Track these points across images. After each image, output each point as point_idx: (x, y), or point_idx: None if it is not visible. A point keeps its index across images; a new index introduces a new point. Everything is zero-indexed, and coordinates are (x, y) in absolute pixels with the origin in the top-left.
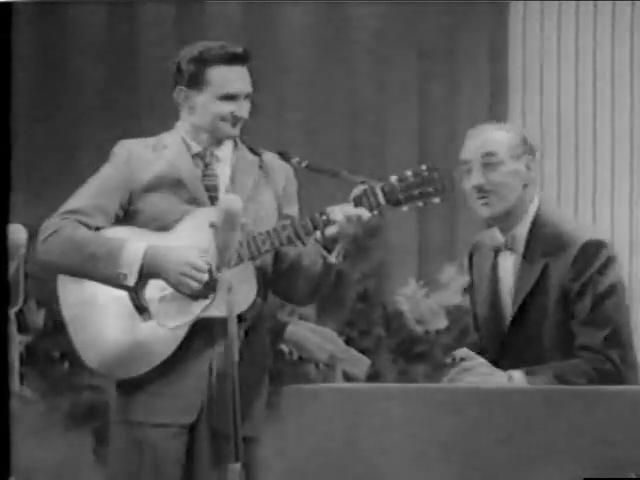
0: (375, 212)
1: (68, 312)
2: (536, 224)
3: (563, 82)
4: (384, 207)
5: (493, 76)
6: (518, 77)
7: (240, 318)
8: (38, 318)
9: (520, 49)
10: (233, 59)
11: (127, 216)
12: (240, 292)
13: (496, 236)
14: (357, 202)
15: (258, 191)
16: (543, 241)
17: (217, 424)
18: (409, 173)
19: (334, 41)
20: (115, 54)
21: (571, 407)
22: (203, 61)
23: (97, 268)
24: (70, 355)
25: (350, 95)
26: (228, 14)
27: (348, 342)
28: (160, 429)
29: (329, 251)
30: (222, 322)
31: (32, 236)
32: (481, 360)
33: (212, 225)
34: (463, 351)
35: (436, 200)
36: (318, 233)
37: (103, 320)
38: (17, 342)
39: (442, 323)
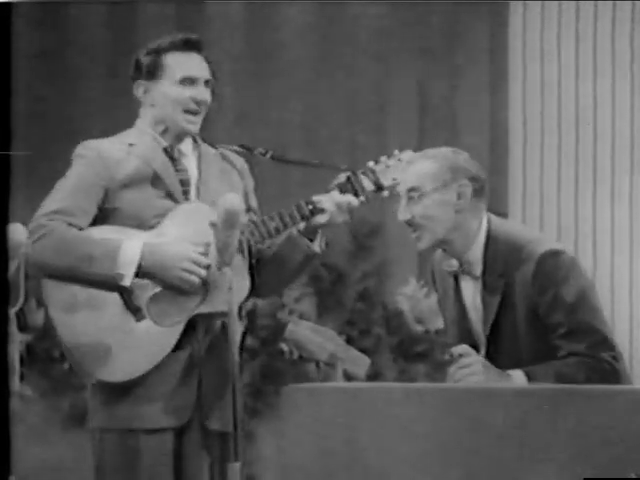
0: (362, 198)
1: (57, 315)
2: (489, 245)
3: (563, 82)
4: (369, 192)
5: (493, 76)
6: (518, 77)
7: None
8: (38, 317)
9: (520, 49)
10: (187, 45)
11: (103, 214)
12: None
13: (451, 262)
14: (342, 189)
15: (227, 181)
16: (500, 261)
17: (210, 424)
18: (384, 158)
19: (334, 41)
20: (115, 54)
21: (571, 407)
22: (158, 51)
23: (93, 269)
24: None
25: (350, 95)
26: (228, 14)
27: (348, 341)
28: (152, 434)
29: (311, 240)
30: (205, 318)
31: None
32: (479, 357)
33: (212, 224)
34: (462, 347)
35: None
36: (302, 223)
37: (95, 322)
38: (17, 341)
39: (442, 322)
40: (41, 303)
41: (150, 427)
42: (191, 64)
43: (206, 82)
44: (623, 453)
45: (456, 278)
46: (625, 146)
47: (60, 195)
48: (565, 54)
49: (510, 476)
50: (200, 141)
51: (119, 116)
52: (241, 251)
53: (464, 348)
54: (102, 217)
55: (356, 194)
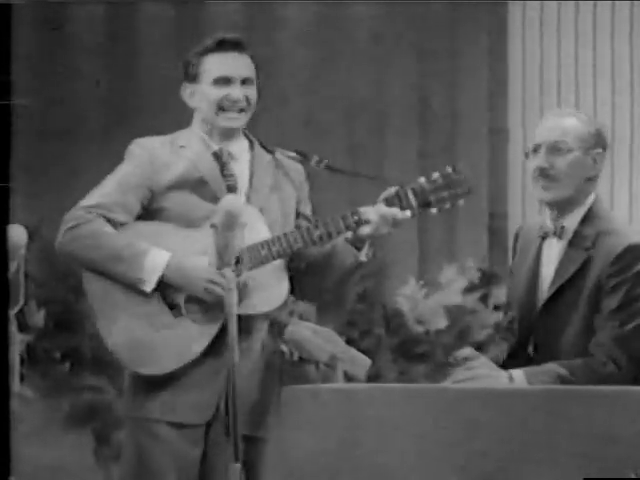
0: (408, 213)
1: (97, 304)
2: (588, 217)
3: (563, 82)
4: (415, 209)
5: (493, 76)
6: (518, 77)
7: (270, 317)
8: (38, 318)
9: (520, 49)
10: (225, 46)
11: (149, 214)
12: (271, 290)
13: (546, 223)
14: (389, 203)
15: (279, 188)
16: (591, 235)
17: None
18: (437, 175)
19: (334, 41)
20: (115, 54)
21: (571, 407)
22: (200, 53)
23: (118, 268)
24: (71, 355)
25: (350, 95)
26: (228, 14)
27: (348, 342)
28: (176, 427)
29: (358, 249)
30: (245, 320)
31: (32, 236)
32: (484, 360)
33: (212, 226)
34: (466, 351)
35: (461, 202)
36: (349, 232)
37: (132, 315)
38: (17, 342)
39: (442, 323)
40: (41, 304)
41: (174, 420)
42: (225, 64)
43: (244, 80)
44: (623, 453)
45: (542, 241)
46: (624, 147)
47: (103, 190)
48: (565, 54)
49: (510, 476)
50: (256, 144)
51: (120, 115)
52: (281, 255)
53: (468, 351)
54: (148, 217)
55: (402, 208)
